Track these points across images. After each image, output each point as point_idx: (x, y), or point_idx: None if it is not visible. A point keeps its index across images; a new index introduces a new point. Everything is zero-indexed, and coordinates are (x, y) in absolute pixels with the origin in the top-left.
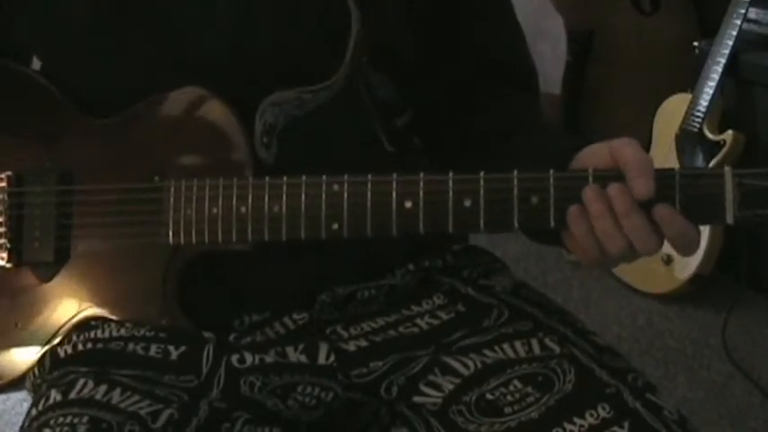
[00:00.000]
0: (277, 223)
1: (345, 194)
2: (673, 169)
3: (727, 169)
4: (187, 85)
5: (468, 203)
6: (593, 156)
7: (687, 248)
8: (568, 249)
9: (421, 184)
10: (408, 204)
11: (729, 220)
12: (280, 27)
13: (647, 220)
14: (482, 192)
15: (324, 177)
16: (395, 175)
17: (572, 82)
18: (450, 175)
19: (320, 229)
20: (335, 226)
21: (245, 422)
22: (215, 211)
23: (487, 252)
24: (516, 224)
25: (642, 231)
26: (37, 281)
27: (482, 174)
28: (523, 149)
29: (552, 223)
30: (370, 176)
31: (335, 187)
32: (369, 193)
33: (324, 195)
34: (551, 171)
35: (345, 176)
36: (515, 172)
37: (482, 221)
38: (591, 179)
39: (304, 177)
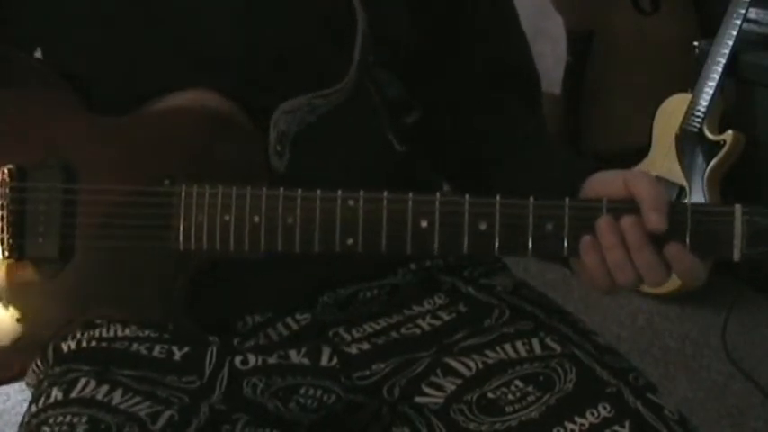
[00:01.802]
0: (291, 235)
1: (361, 211)
2: (685, 204)
3: (737, 206)
4: (191, 86)
5: (483, 226)
6: (607, 184)
7: (692, 282)
8: (574, 271)
9: (437, 204)
10: (424, 224)
11: (737, 256)
12: (286, 27)
13: (658, 254)
14: (498, 216)
15: (339, 192)
16: (411, 195)
17: (572, 82)
18: (467, 197)
19: (335, 243)
20: (350, 241)
21: (246, 424)
22: (227, 218)
23: None
24: (530, 249)
25: (653, 266)
26: (40, 277)
27: (498, 198)
28: (529, 164)
29: (565, 251)
30: (385, 194)
31: (350, 203)
32: (384, 211)
33: (339, 211)
34: (567, 199)
35: (361, 192)
36: (531, 198)
37: (496, 245)
38: (605, 210)
39: (319, 192)
